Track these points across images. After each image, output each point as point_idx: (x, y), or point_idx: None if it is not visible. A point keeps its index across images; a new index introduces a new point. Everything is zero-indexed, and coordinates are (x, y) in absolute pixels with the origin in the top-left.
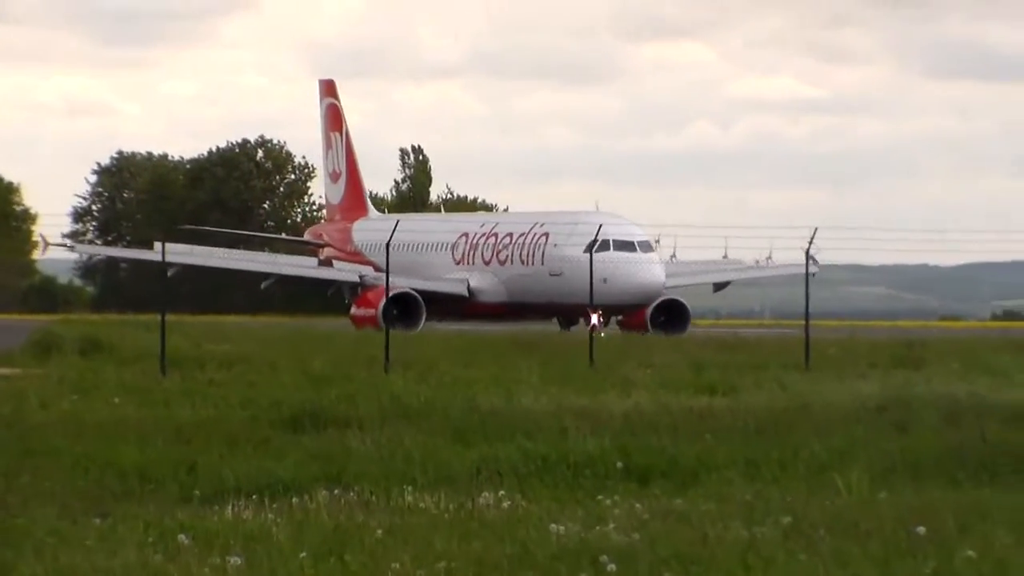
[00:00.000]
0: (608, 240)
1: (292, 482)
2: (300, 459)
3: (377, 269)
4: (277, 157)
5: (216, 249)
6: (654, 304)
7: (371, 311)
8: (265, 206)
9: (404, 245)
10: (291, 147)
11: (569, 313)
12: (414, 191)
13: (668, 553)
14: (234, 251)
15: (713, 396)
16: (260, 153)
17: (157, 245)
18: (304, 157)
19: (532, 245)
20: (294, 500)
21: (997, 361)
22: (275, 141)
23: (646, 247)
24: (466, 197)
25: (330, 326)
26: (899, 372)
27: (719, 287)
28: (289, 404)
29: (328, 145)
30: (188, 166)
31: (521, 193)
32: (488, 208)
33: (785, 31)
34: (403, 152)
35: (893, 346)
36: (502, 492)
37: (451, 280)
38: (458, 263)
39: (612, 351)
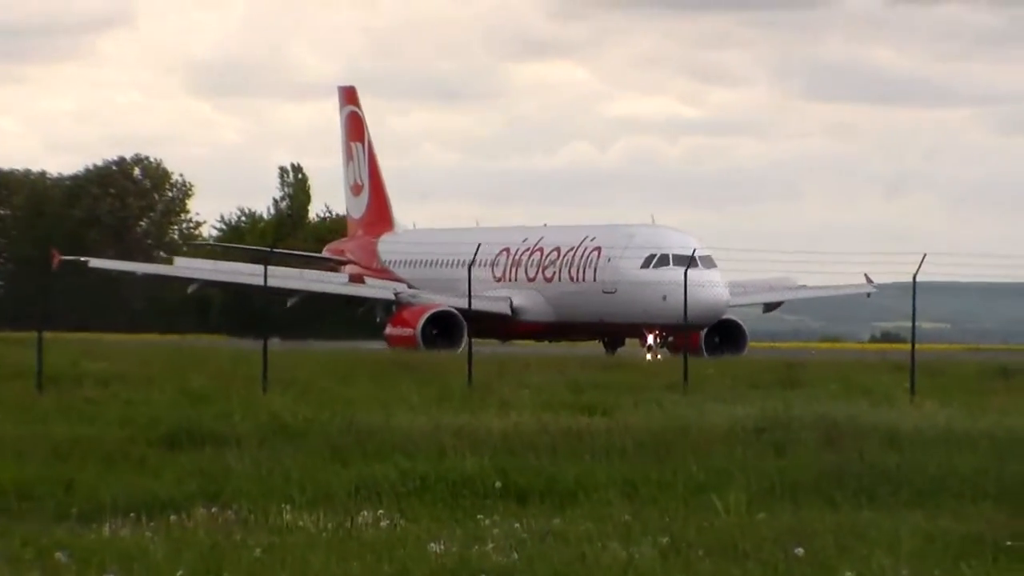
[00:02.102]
0: (668, 255)
1: (170, 500)
2: (178, 477)
3: (409, 286)
4: (154, 174)
5: (240, 264)
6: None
7: (408, 331)
8: (143, 224)
9: (437, 262)
10: (169, 164)
11: (622, 333)
12: (293, 209)
13: (546, 573)
14: (257, 267)
15: (592, 416)
16: (137, 171)
17: (178, 260)
18: (181, 175)
19: (583, 260)
20: (172, 518)
21: (875, 382)
22: (152, 159)
23: (708, 263)
24: (344, 215)
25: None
26: (778, 393)
27: (770, 307)
28: (167, 422)
29: (349, 156)
30: (68, 183)
31: (401, 212)
32: None
33: (663, 51)
34: (282, 170)
35: (772, 367)
36: (381, 511)
37: (492, 298)
38: (499, 280)
39: (490, 370)
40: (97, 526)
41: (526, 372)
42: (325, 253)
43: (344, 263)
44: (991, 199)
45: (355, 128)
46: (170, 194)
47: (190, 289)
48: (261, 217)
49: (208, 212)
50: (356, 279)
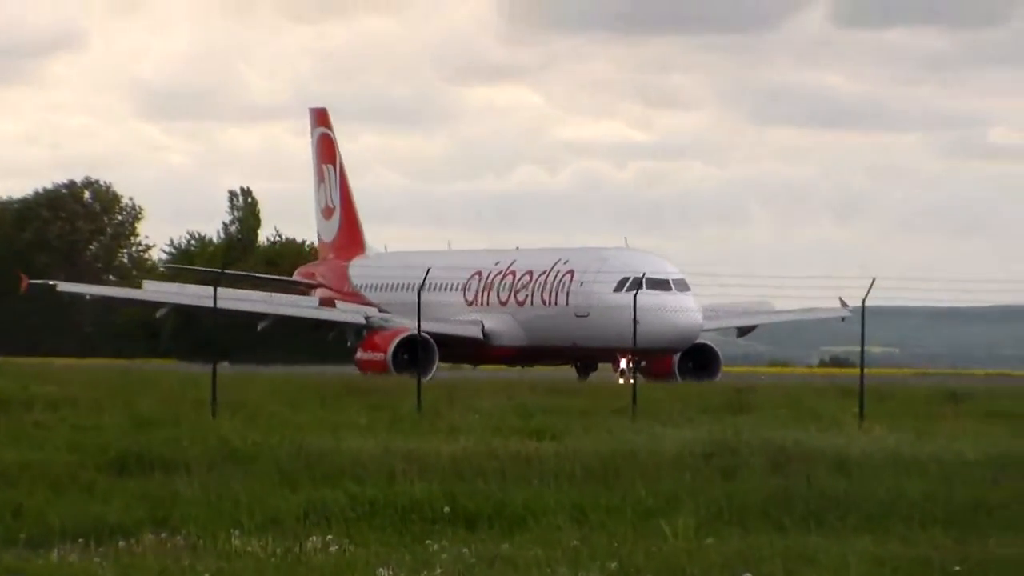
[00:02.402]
0: (641, 278)
1: (118, 525)
2: (127, 502)
3: (381, 310)
4: (104, 198)
5: (209, 288)
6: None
7: (379, 355)
8: (92, 247)
9: (408, 285)
10: (118, 188)
11: (595, 357)
12: (243, 233)
13: None
14: (227, 290)
15: (541, 441)
16: (87, 194)
17: (147, 284)
18: (131, 198)
19: (555, 284)
20: (120, 543)
21: (824, 407)
22: (102, 182)
23: (682, 286)
24: (294, 239)
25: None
26: (727, 418)
27: (743, 331)
28: (116, 447)
29: (320, 178)
30: (17, 206)
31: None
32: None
33: (613, 76)
34: (232, 194)
35: (721, 392)
36: (330, 536)
37: (463, 322)
38: (470, 304)
39: (441, 395)
40: (46, 551)
41: (476, 397)
42: (296, 277)
43: (315, 287)
44: (940, 223)
45: (326, 150)
46: (120, 218)
47: (159, 313)
48: (211, 241)
49: (158, 235)
50: (327, 303)
